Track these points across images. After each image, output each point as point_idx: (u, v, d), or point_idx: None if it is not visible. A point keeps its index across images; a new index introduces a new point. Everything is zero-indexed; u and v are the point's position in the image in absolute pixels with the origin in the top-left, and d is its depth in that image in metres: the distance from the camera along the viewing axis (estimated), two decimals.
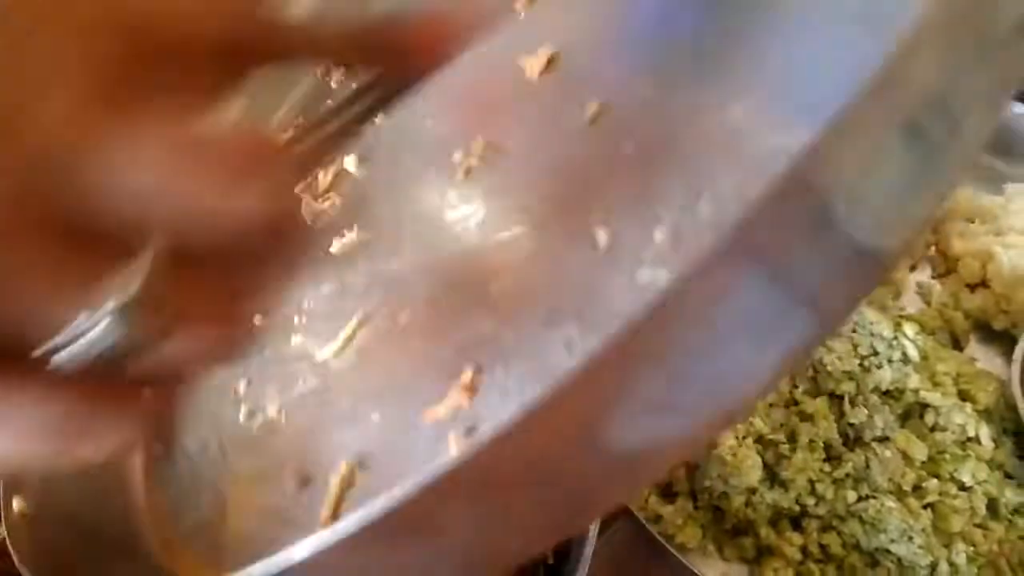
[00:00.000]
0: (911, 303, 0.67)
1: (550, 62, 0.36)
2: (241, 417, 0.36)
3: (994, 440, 0.56)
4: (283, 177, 0.21)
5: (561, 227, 0.30)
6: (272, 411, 0.35)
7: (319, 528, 0.28)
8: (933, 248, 0.70)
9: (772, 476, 0.54)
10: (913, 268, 0.69)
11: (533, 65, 0.36)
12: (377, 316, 0.34)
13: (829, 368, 0.56)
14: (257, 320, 0.34)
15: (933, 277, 0.68)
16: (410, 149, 0.41)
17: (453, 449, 0.24)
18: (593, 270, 0.26)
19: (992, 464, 0.55)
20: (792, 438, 0.54)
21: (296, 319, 0.38)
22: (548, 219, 0.30)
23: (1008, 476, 0.56)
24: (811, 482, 0.53)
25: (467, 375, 0.27)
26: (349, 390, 0.33)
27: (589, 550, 0.45)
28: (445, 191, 0.36)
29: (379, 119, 0.38)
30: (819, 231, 0.22)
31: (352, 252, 0.38)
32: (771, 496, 0.54)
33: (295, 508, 0.30)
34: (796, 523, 0.55)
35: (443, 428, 0.26)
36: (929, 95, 0.22)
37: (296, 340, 0.37)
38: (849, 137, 0.21)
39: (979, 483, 0.54)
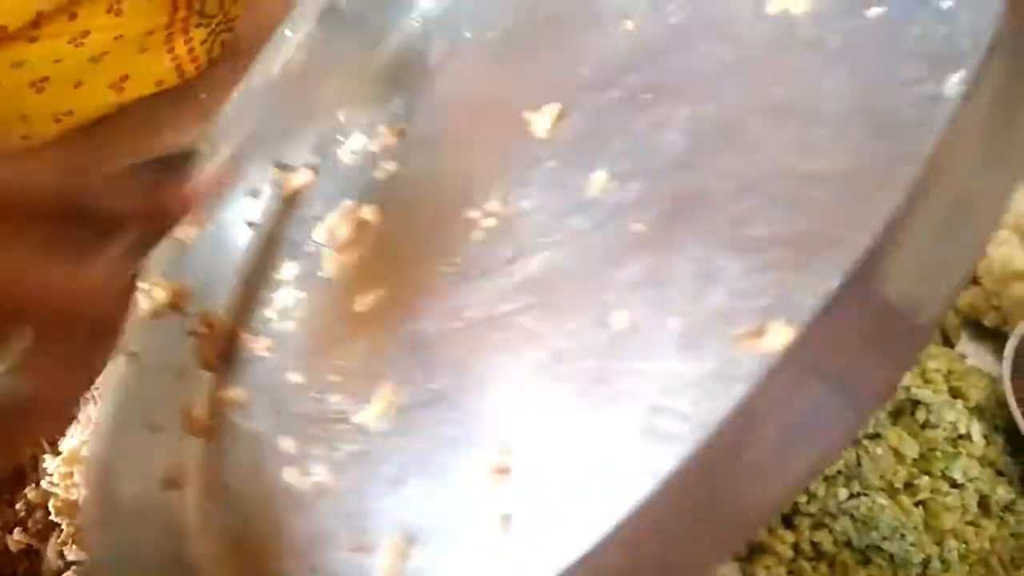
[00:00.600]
0: None
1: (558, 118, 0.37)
2: (293, 478, 0.37)
3: (985, 437, 0.56)
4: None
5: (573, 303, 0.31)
6: (322, 474, 0.36)
7: None
8: None
9: None
10: None
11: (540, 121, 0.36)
12: (409, 382, 0.34)
13: None
14: (293, 377, 0.37)
15: None
16: (428, 200, 0.41)
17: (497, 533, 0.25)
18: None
19: (983, 461, 0.55)
20: None
21: (331, 376, 0.38)
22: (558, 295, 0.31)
23: (999, 473, 0.56)
24: None
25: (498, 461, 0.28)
26: (391, 456, 0.34)
27: None
28: (459, 250, 0.36)
29: (393, 167, 0.40)
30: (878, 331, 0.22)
31: (378, 310, 0.38)
32: None
33: (349, 572, 0.31)
34: (788, 521, 0.55)
35: (485, 506, 0.27)
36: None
37: (335, 400, 0.37)
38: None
39: (971, 480, 0.54)
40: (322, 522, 0.35)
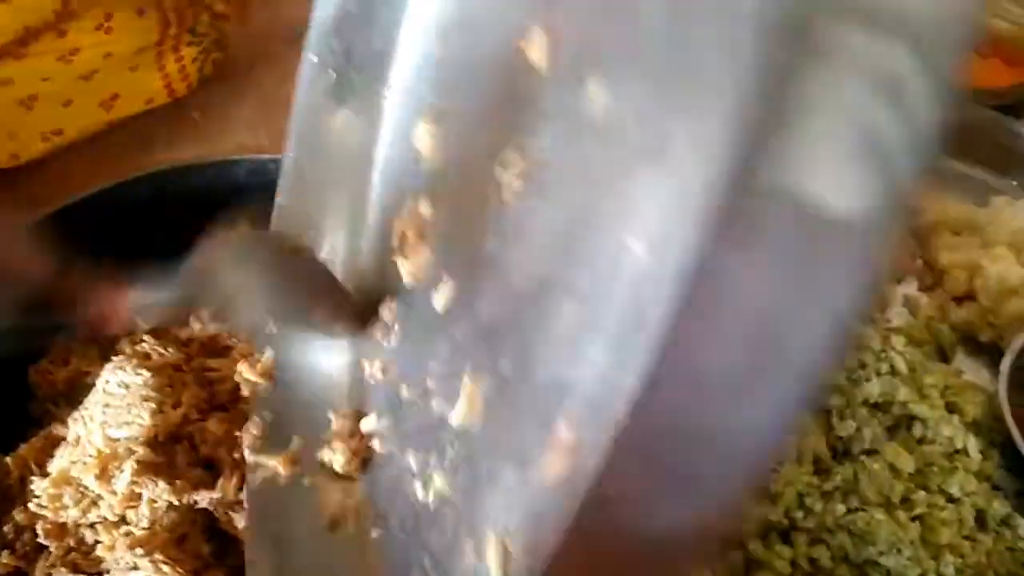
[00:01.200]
0: (897, 316, 0.67)
1: None
2: (419, 492, 0.38)
3: (982, 452, 0.56)
4: None
5: None
6: (440, 482, 0.36)
7: None
8: (920, 260, 0.70)
9: (761, 489, 0.54)
10: (899, 281, 0.68)
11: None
12: (483, 370, 0.34)
13: None
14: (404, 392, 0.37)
15: (920, 289, 0.68)
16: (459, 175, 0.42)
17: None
18: None
19: (980, 476, 0.55)
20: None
21: (429, 383, 0.38)
22: None
23: (996, 488, 0.56)
24: (800, 495, 0.53)
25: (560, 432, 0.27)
26: (483, 453, 0.34)
27: None
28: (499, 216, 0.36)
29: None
30: None
31: (452, 305, 0.38)
32: (760, 510, 0.54)
33: None
34: (785, 536, 0.55)
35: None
36: None
37: (435, 405, 0.37)
38: None
39: (967, 495, 0.54)
40: (450, 532, 0.35)
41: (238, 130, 0.81)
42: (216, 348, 0.54)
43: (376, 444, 0.44)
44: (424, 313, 0.40)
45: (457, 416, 0.35)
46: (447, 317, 0.39)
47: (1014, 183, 0.74)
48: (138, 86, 0.77)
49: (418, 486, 0.38)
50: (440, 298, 0.39)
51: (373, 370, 0.46)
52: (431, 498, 0.37)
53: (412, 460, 0.39)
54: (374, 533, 0.42)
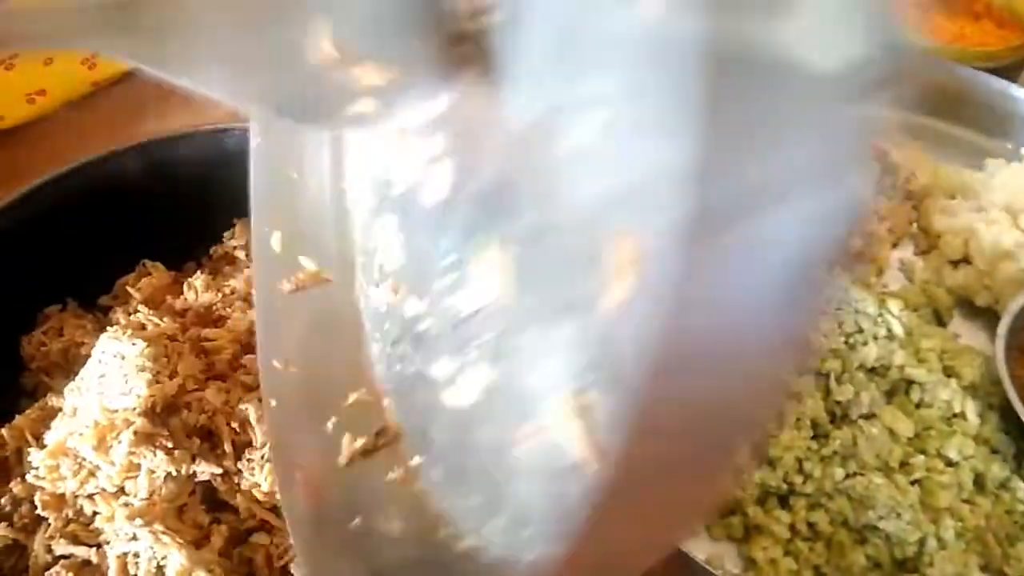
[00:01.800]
0: (894, 280, 0.67)
1: None
2: (455, 400, 0.37)
3: (980, 416, 0.56)
4: None
5: None
6: (478, 377, 0.35)
7: None
8: (915, 225, 0.70)
9: (760, 455, 0.54)
10: (895, 245, 0.68)
11: None
12: (504, 235, 0.33)
13: (815, 347, 0.56)
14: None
15: (915, 254, 0.68)
16: None
17: None
18: None
19: (978, 439, 0.55)
20: (779, 417, 0.54)
21: (446, 280, 0.37)
22: None
23: (994, 451, 0.56)
24: (798, 460, 0.53)
25: None
26: (526, 322, 0.32)
27: None
28: None
29: None
30: None
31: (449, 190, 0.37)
32: (759, 475, 0.54)
33: (548, 455, 0.30)
34: (784, 501, 0.55)
35: None
36: None
37: (458, 298, 0.36)
38: None
39: (966, 458, 0.54)
40: (500, 426, 0.33)
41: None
42: (211, 318, 0.54)
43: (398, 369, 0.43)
44: (420, 214, 0.39)
45: (489, 295, 0.34)
46: (446, 206, 0.37)
47: (1008, 145, 0.74)
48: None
49: (452, 394, 0.37)
50: (432, 189, 0.38)
51: (381, 295, 0.44)
52: (471, 399, 0.36)
53: (439, 371, 0.38)
54: (414, 460, 0.41)
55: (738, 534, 0.55)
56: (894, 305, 0.57)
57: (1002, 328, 0.58)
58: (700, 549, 0.55)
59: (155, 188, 0.55)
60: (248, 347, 0.51)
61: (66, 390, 0.48)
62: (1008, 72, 0.75)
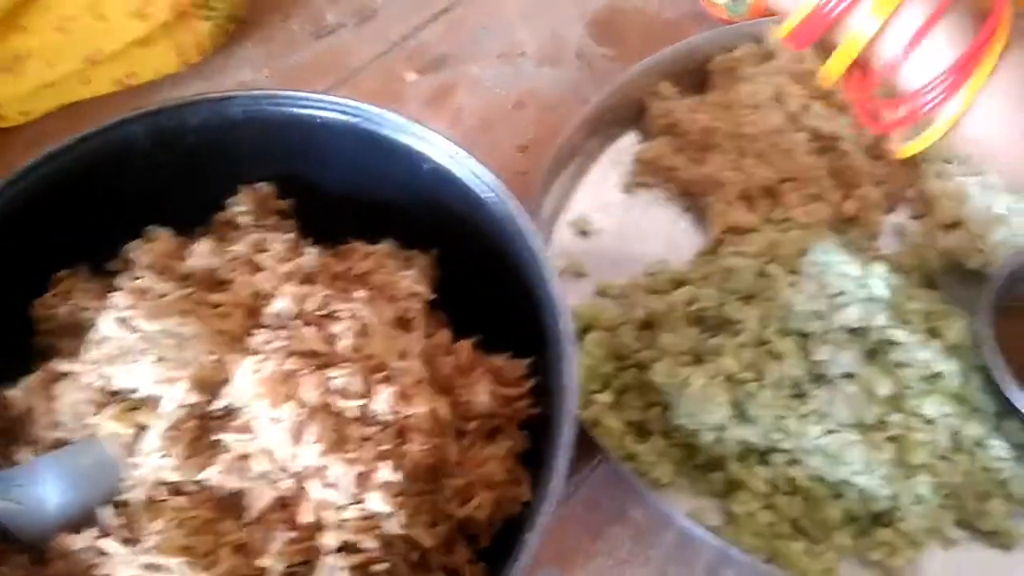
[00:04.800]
0: (888, 245, 0.68)
1: None
2: None
3: (962, 375, 0.57)
4: None
5: None
6: None
7: None
8: (913, 189, 0.70)
9: (741, 413, 0.56)
10: (891, 210, 0.69)
11: None
12: None
13: (798, 308, 0.57)
14: None
15: (911, 218, 0.69)
16: None
17: None
18: None
19: (959, 399, 0.56)
20: (760, 376, 0.55)
21: None
22: None
23: (975, 410, 0.57)
24: (778, 418, 0.55)
25: None
26: None
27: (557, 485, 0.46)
28: None
29: None
30: None
31: None
32: (740, 432, 0.56)
33: None
34: (763, 458, 0.56)
35: None
36: None
37: None
38: None
39: (943, 417, 0.55)
40: None
41: (240, 68, 0.82)
42: (215, 281, 0.56)
43: None
44: None
45: None
46: None
47: None
48: (153, 62, 0.79)
49: None
50: None
51: None
52: None
53: None
54: None
55: (720, 490, 0.57)
56: (879, 267, 0.58)
57: (988, 290, 0.59)
58: (684, 504, 0.57)
59: (162, 155, 0.58)
60: (252, 312, 0.53)
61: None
62: None
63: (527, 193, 0.65)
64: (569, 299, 0.65)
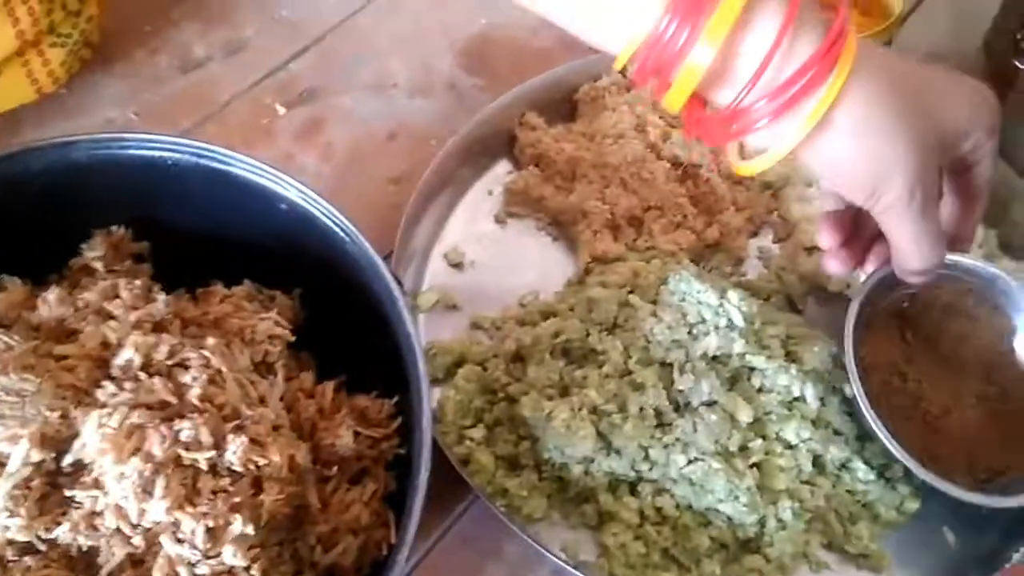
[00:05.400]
0: (753, 268, 0.69)
1: None
2: None
3: (821, 399, 0.58)
4: None
5: None
6: None
7: None
8: (775, 213, 0.72)
9: (607, 445, 0.56)
10: (755, 234, 0.70)
11: None
12: None
13: (659, 338, 0.58)
14: None
15: (773, 242, 0.71)
16: None
17: None
18: None
19: (819, 422, 0.58)
20: (623, 407, 0.55)
21: None
22: None
23: (836, 432, 0.58)
24: (643, 448, 0.55)
25: None
26: None
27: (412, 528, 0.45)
28: None
29: None
30: None
31: None
32: (607, 464, 0.56)
33: None
34: (633, 488, 0.57)
35: None
36: None
37: None
38: None
39: (803, 441, 0.56)
40: None
41: (106, 104, 0.80)
42: (64, 331, 0.54)
43: None
44: None
45: None
46: None
47: None
48: (6, 91, 0.76)
49: None
50: None
51: None
52: None
53: None
54: None
55: (592, 521, 0.57)
56: (733, 295, 0.59)
57: (850, 313, 0.60)
58: (556, 537, 0.57)
59: (5, 204, 0.55)
60: (101, 363, 0.51)
61: None
62: None
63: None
64: (443, 333, 0.66)
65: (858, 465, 0.57)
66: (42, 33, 0.75)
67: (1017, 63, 0.76)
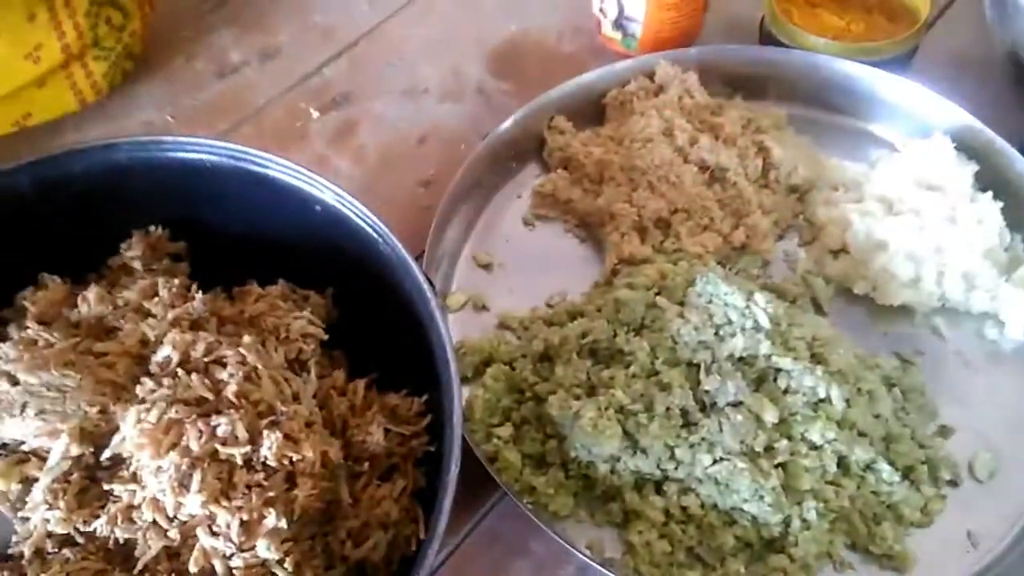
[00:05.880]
0: (778, 271, 0.70)
1: None
2: None
3: (846, 400, 0.58)
4: None
5: None
6: None
7: None
8: (801, 217, 0.72)
9: (633, 444, 0.56)
10: (781, 237, 0.71)
11: None
12: None
13: (686, 339, 0.58)
14: None
15: (799, 245, 0.71)
16: None
17: None
18: None
19: (844, 423, 0.58)
20: (650, 407, 0.56)
21: None
22: None
23: (861, 434, 0.59)
24: (669, 448, 0.56)
25: None
26: None
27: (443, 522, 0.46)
28: None
29: None
30: None
31: None
32: (633, 463, 0.56)
33: None
34: (658, 487, 0.57)
35: None
36: None
37: None
38: None
39: (829, 442, 0.56)
40: None
41: (144, 108, 0.82)
42: (104, 329, 0.55)
43: None
44: None
45: None
46: None
47: (894, 138, 0.76)
48: (50, 102, 0.78)
49: None
50: None
51: None
52: None
53: None
54: None
55: (618, 519, 0.58)
56: (760, 297, 0.59)
57: None
58: (581, 535, 0.58)
59: (47, 204, 0.57)
60: (140, 359, 0.53)
61: None
62: (900, 63, 0.77)
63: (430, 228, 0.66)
64: (472, 333, 0.67)
65: (883, 466, 0.57)
66: (86, 47, 0.77)
67: None
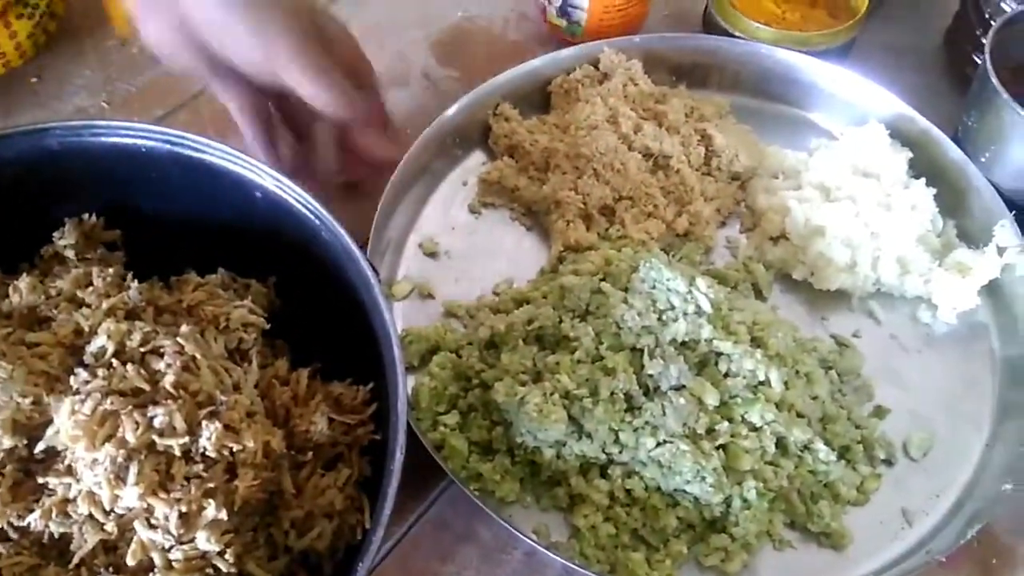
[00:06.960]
0: (720, 257, 0.70)
1: None
2: None
3: (785, 383, 0.59)
4: None
5: None
6: None
7: None
8: (743, 204, 0.73)
9: (579, 429, 0.57)
10: (723, 224, 0.72)
11: None
12: None
13: (630, 324, 0.59)
14: None
15: (741, 232, 0.72)
16: None
17: None
18: None
19: (782, 405, 0.59)
20: (595, 392, 0.56)
21: None
22: None
23: (799, 415, 0.60)
24: (614, 432, 0.56)
25: None
26: None
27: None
28: None
29: None
30: None
31: None
32: (579, 447, 0.57)
33: None
34: (603, 471, 0.58)
35: None
36: None
37: None
38: None
39: (768, 423, 0.58)
40: None
41: (78, 93, 0.80)
42: (36, 319, 0.54)
43: None
44: None
45: None
46: None
47: (832, 126, 0.77)
48: None
49: None
50: None
51: None
52: None
53: None
54: None
55: (563, 503, 0.58)
56: (701, 283, 0.60)
57: None
58: (528, 519, 0.58)
59: None
60: (75, 350, 0.52)
61: None
62: (837, 54, 0.79)
63: None
64: (418, 321, 0.66)
65: (820, 447, 0.59)
66: (9, 4, 0.74)
67: (977, 58, 0.78)
